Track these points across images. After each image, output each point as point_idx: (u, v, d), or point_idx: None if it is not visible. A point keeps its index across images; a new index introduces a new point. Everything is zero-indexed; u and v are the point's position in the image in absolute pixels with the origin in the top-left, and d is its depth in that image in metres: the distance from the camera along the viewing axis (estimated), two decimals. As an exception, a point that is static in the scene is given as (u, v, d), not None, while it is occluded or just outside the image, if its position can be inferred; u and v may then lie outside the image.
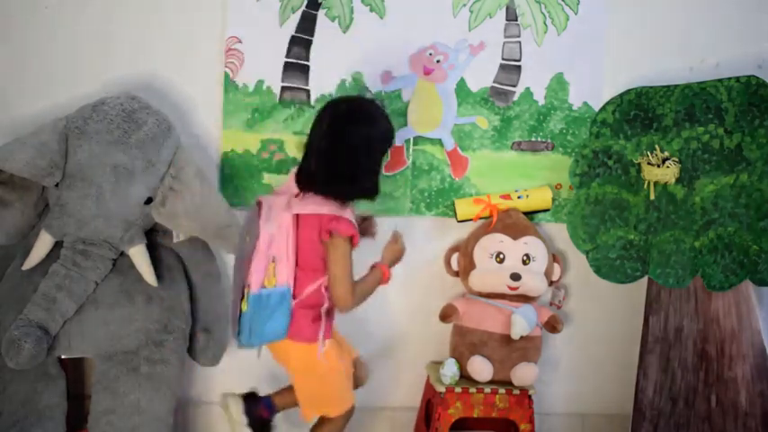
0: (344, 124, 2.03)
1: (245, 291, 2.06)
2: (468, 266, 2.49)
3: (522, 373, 2.39)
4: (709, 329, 2.41)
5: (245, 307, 2.05)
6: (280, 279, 2.03)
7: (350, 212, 2.05)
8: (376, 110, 2.10)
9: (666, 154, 2.42)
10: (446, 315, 2.47)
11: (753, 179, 2.36)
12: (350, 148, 2.02)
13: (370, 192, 2.07)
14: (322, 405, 2.19)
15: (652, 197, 2.43)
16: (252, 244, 2.04)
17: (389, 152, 2.05)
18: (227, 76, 2.48)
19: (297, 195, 2.08)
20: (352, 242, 2.03)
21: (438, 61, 2.52)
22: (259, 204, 2.09)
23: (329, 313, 2.13)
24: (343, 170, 2.02)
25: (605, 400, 2.70)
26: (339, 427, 2.23)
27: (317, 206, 2.03)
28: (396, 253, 2.19)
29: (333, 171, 2.02)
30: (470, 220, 2.54)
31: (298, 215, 2.05)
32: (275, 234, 2.03)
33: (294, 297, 2.05)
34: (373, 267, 2.13)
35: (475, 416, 2.41)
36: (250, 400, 2.21)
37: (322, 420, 2.22)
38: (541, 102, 2.57)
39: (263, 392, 2.61)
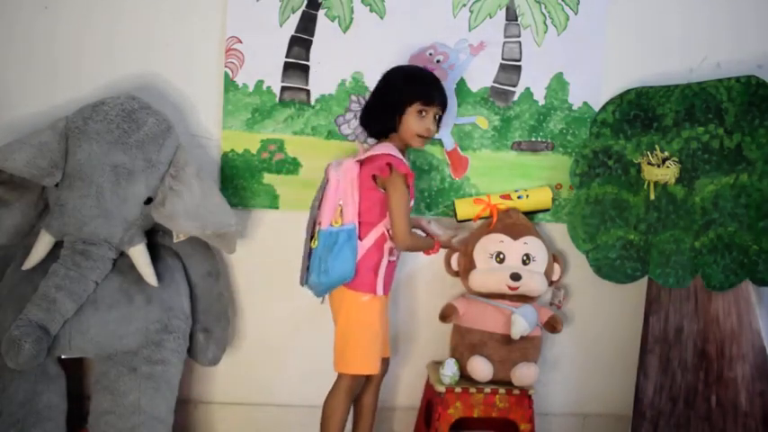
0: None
1: (316, 228, 2.24)
2: (468, 266, 2.49)
3: (522, 373, 2.39)
4: (709, 329, 2.41)
5: (314, 243, 2.23)
6: (346, 219, 2.21)
7: (402, 157, 2.25)
8: (404, 66, 2.40)
9: (666, 154, 2.42)
10: (446, 315, 2.47)
11: (753, 179, 2.36)
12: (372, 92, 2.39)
13: (369, 124, 2.36)
14: (339, 356, 2.27)
15: (652, 197, 2.43)
16: (322, 189, 2.26)
17: (411, 98, 2.26)
18: (227, 76, 2.48)
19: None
20: (407, 183, 2.21)
21: (438, 61, 2.52)
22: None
23: (386, 269, 2.26)
24: (365, 107, 2.41)
25: (605, 400, 2.71)
26: (341, 390, 2.26)
27: (374, 150, 2.26)
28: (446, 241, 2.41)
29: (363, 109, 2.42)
30: (470, 220, 2.54)
31: (361, 165, 2.25)
32: (341, 179, 2.23)
33: (360, 239, 2.23)
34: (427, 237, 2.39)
35: (475, 416, 2.41)
36: None
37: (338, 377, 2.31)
38: (541, 102, 2.57)
39: (261, 391, 2.61)
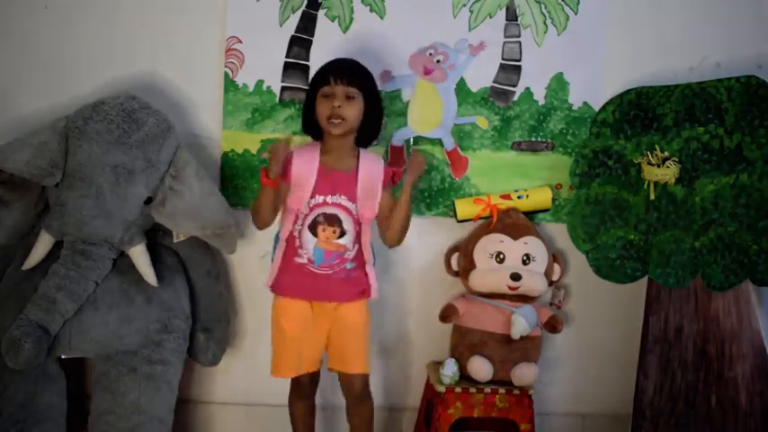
0: None
1: None
2: (468, 266, 2.49)
3: (522, 373, 2.39)
4: (709, 329, 2.41)
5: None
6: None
7: (307, 152, 2.27)
8: None
9: (666, 154, 2.42)
10: (446, 315, 2.47)
11: (753, 179, 2.37)
12: None
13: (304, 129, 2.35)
14: None
15: (652, 197, 2.43)
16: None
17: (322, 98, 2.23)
18: (227, 76, 2.48)
19: None
20: (260, 174, 2.19)
21: (438, 61, 2.52)
22: None
23: (284, 267, 2.27)
24: None
25: (605, 400, 2.70)
26: (289, 390, 2.36)
27: None
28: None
29: None
30: (470, 220, 2.54)
31: None
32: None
33: None
34: None
35: (475, 416, 2.41)
36: None
37: None
38: (541, 102, 2.57)
39: (262, 391, 2.61)
